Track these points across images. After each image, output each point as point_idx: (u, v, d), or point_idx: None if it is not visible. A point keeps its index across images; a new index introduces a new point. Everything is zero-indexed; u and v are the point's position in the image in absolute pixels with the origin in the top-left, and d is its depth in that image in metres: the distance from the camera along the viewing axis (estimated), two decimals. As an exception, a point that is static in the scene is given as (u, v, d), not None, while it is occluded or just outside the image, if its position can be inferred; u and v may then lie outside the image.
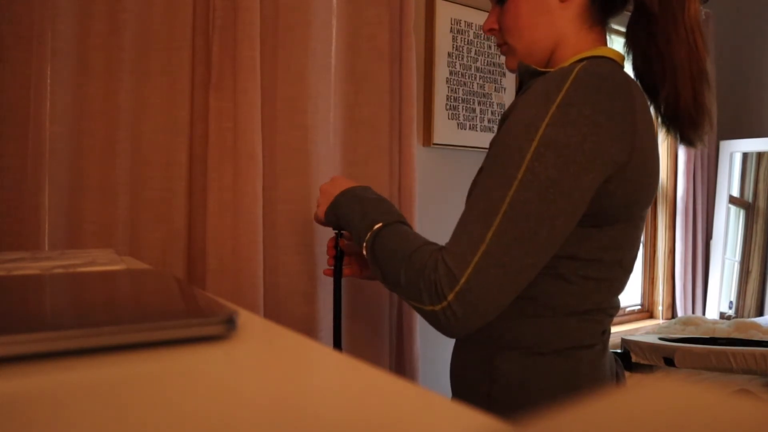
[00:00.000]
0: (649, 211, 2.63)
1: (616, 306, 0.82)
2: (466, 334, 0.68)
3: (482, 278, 0.65)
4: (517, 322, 0.77)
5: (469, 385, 0.82)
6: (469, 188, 0.83)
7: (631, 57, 0.82)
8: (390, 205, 0.84)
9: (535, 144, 0.66)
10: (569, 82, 0.67)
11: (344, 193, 0.89)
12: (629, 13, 0.83)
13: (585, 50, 0.79)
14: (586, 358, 0.78)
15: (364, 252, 0.80)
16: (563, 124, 0.66)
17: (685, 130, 0.80)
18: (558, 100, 0.67)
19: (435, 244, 0.73)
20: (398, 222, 0.80)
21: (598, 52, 0.78)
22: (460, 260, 0.65)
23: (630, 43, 0.81)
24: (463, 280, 0.65)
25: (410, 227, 0.80)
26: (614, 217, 0.73)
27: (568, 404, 0.14)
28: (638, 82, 0.79)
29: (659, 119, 0.82)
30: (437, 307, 0.67)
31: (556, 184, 0.65)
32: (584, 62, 0.71)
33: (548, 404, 0.75)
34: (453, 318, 0.66)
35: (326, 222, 0.94)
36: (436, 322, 0.68)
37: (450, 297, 0.65)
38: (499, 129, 0.76)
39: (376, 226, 0.79)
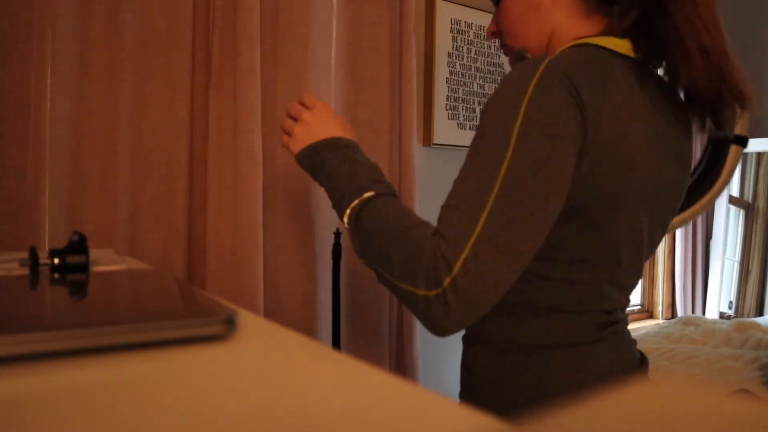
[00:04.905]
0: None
1: (596, 308, 0.75)
2: (454, 330, 0.62)
3: (479, 265, 0.59)
4: (484, 317, 0.70)
5: (461, 379, 0.82)
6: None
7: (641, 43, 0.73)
8: (381, 174, 0.77)
9: (519, 120, 0.62)
10: (544, 64, 0.65)
11: (331, 145, 0.81)
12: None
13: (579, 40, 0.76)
14: (562, 358, 0.73)
15: (344, 219, 0.73)
16: (545, 102, 0.63)
17: (705, 114, 0.72)
18: (535, 79, 0.64)
19: (430, 224, 0.67)
20: (390, 194, 0.73)
21: (590, 40, 0.73)
22: (454, 244, 0.59)
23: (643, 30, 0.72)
24: (458, 265, 0.58)
25: (400, 202, 0.73)
26: (569, 211, 0.67)
27: (565, 404, 0.14)
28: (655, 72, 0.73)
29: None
30: (432, 293, 0.60)
31: (547, 163, 0.62)
32: (564, 49, 0.70)
33: (520, 403, 0.73)
34: (444, 308, 0.59)
35: (297, 160, 0.84)
36: (426, 310, 0.61)
37: (446, 283, 0.59)
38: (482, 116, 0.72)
39: (367, 195, 0.71)
